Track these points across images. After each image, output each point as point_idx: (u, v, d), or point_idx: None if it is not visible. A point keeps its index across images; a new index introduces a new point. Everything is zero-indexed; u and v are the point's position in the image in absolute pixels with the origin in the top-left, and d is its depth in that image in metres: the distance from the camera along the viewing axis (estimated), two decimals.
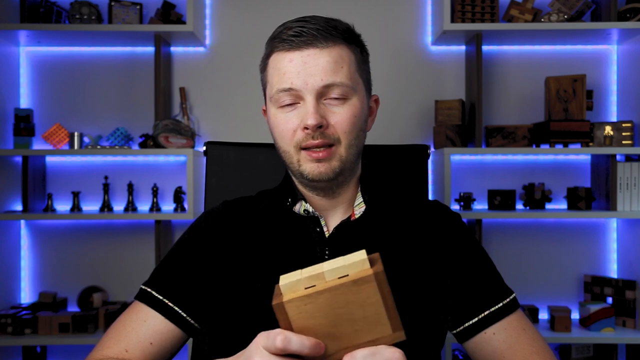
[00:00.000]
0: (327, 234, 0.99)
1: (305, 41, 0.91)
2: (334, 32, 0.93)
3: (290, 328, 0.64)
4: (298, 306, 0.62)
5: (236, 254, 0.99)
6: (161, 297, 0.96)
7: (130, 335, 0.93)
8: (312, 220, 0.99)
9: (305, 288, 0.62)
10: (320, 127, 0.91)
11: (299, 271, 0.63)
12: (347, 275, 0.61)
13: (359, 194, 1.01)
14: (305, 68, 0.91)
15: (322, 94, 0.92)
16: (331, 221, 1.00)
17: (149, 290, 0.98)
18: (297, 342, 0.64)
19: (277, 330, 0.65)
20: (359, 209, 1.00)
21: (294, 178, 1.02)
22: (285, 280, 0.63)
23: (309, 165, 0.93)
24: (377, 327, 0.64)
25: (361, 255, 0.62)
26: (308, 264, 0.95)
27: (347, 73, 0.93)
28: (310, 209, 0.99)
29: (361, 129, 0.96)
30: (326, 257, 0.97)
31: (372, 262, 0.63)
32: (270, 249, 0.99)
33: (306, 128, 0.91)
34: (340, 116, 0.92)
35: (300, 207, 1.00)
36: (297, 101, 0.93)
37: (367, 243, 0.98)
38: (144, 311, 0.96)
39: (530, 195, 2.30)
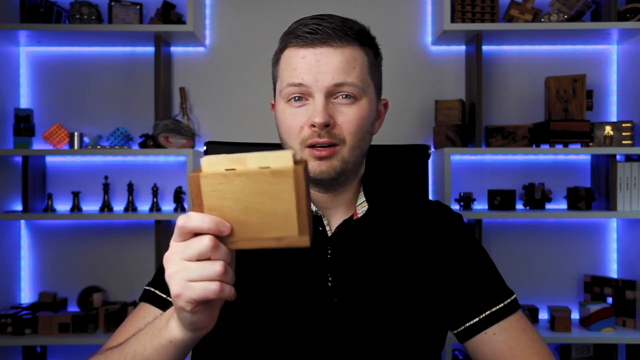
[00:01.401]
0: (329, 233, 0.99)
1: (319, 39, 0.92)
2: (349, 33, 0.93)
3: (200, 203, 0.63)
4: (212, 183, 0.62)
5: (237, 252, 0.99)
6: (165, 296, 0.96)
7: (130, 333, 0.93)
8: (315, 219, 0.99)
9: (226, 169, 0.62)
10: (327, 126, 0.91)
11: (225, 154, 0.63)
12: (269, 167, 0.62)
13: (361, 193, 1.01)
14: (318, 66, 0.91)
15: (331, 92, 0.92)
16: (333, 220, 1.00)
17: (152, 290, 0.98)
18: (197, 218, 0.63)
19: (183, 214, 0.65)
20: (362, 208, 1.00)
21: None
22: (208, 158, 0.63)
23: (311, 163, 0.93)
24: (286, 225, 0.63)
25: (287, 152, 0.63)
26: (311, 264, 0.96)
27: (359, 74, 0.93)
28: (314, 208, 0.99)
29: (367, 131, 0.96)
30: (329, 256, 0.97)
31: (296, 162, 0.63)
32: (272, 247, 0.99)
33: (313, 125, 0.91)
34: (348, 117, 0.92)
35: None
36: (306, 98, 0.93)
37: (369, 242, 0.98)
38: (147, 310, 0.96)
39: (530, 195, 2.30)
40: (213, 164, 0.62)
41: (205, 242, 0.63)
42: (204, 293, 0.63)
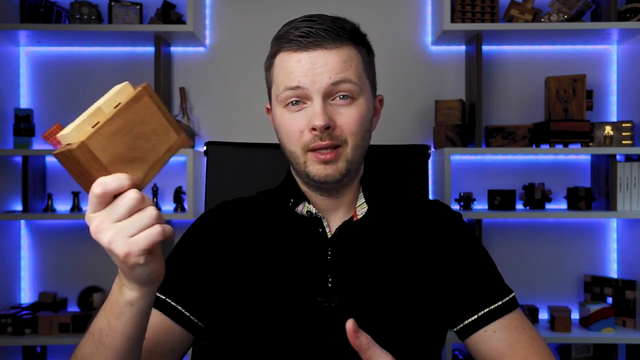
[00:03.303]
0: (329, 235, 0.98)
1: (313, 42, 0.91)
2: (341, 33, 0.93)
3: (100, 165, 0.63)
4: (98, 142, 0.63)
5: (237, 254, 0.99)
6: (164, 297, 0.96)
7: None
8: (315, 221, 0.99)
9: (93, 127, 0.64)
10: (328, 128, 0.91)
11: (77, 119, 0.65)
12: (121, 102, 0.66)
13: (361, 194, 1.01)
14: (313, 68, 0.91)
15: (329, 93, 0.92)
16: (333, 222, 1.00)
17: None
18: (114, 179, 0.63)
19: (90, 194, 0.64)
20: (361, 209, 1.00)
21: (297, 178, 1.01)
22: (67, 130, 0.63)
23: (315, 167, 0.93)
24: (166, 136, 0.69)
25: (123, 84, 0.68)
26: (311, 265, 0.96)
27: (355, 73, 0.93)
28: (313, 210, 0.98)
29: (367, 129, 0.96)
30: (329, 257, 0.96)
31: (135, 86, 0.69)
32: (272, 249, 0.99)
33: (314, 129, 0.91)
34: (347, 117, 0.92)
35: (302, 208, 1.00)
36: (304, 101, 0.93)
37: (369, 243, 0.98)
38: None
39: (530, 195, 2.30)
40: (80, 129, 0.63)
41: (132, 196, 0.63)
42: (151, 238, 0.64)
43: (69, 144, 0.63)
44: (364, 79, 0.95)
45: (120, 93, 0.66)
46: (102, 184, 0.63)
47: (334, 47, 0.92)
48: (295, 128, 0.93)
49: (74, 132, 0.63)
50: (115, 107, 0.65)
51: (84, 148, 0.62)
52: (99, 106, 0.65)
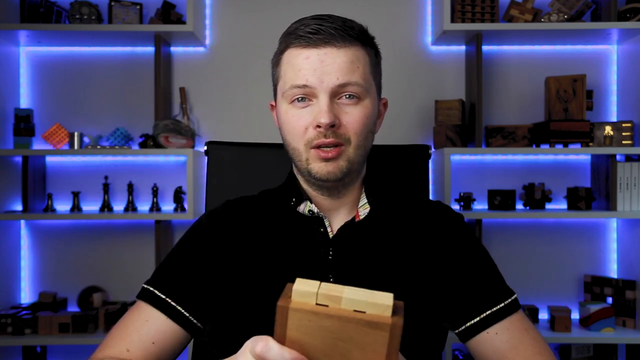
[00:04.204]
0: (331, 235, 0.98)
1: (322, 39, 0.91)
2: (351, 33, 0.93)
3: (283, 334, 0.60)
4: (301, 318, 0.58)
5: (239, 254, 0.99)
6: (164, 297, 0.95)
7: (132, 335, 0.93)
8: (316, 221, 0.99)
9: (317, 304, 0.57)
10: (333, 126, 0.91)
11: (318, 282, 0.59)
12: (364, 312, 0.57)
13: (363, 194, 1.01)
14: (322, 66, 0.91)
15: (336, 93, 0.92)
16: (335, 222, 1.00)
17: (151, 289, 0.97)
18: (277, 352, 0.61)
19: (264, 336, 0.62)
20: (364, 210, 1.00)
21: (299, 177, 1.01)
22: (300, 285, 0.58)
23: (317, 165, 0.93)
24: None
25: (388, 298, 0.58)
26: (311, 265, 0.96)
27: (362, 74, 0.93)
28: (315, 210, 0.98)
29: (370, 130, 0.96)
30: (330, 257, 0.96)
31: (395, 311, 0.58)
32: (274, 248, 0.98)
33: (318, 126, 0.90)
34: (353, 116, 0.92)
35: (304, 208, 0.99)
36: (310, 98, 0.93)
37: (371, 244, 0.98)
38: (147, 311, 0.95)
39: (530, 195, 2.31)
40: (305, 293, 0.58)
41: None
42: None
43: (288, 295, 0.59)
44: (370, 81, 0.95)
45: (376, 305, 0.57)
46: (265, 348, 0.62)
47: (343, 45, 0.92)
48: (300, 124, 0.93)
49: (300, 294, 0.58)
50: (356, 312, 0.57)
51: (283, 311, 0.59)
52: (343, 293, 0.57)
